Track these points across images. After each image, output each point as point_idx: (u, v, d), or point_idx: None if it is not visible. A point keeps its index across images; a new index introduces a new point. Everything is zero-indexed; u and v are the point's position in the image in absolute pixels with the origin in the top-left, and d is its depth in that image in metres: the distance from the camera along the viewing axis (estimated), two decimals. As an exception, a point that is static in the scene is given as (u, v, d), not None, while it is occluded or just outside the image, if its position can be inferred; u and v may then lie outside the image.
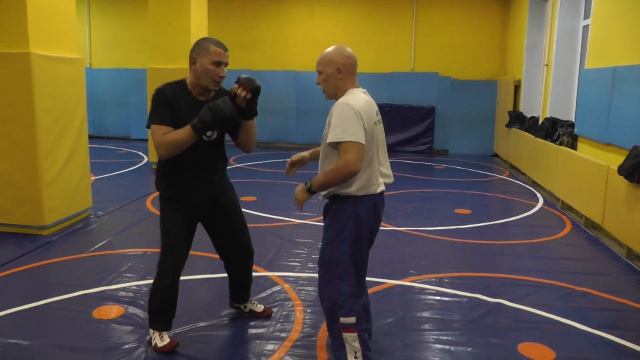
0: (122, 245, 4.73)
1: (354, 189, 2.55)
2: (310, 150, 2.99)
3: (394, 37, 11.49)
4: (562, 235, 5.35)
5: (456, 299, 3.71)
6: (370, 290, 3.60)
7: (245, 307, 3.37)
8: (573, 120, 7.34)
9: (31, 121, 4.74)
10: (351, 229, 2.56)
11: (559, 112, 7.97)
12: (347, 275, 2.58)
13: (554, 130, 7.50)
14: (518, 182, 8.22)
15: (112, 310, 3.41)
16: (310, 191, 2.56)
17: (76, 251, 4.56)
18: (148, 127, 2.74)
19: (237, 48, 11.61)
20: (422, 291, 3.85)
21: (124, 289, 3.76)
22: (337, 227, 2.58)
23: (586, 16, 7.50)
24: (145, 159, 9.40)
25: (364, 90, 2.69)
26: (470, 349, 3.04)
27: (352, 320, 2.55)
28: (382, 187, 2.68)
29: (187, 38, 8.23)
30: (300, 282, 3.96)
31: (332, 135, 2.47)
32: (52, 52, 4.95)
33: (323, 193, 2.63)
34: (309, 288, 3.84)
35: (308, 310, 3.47)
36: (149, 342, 2.98)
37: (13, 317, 3.31)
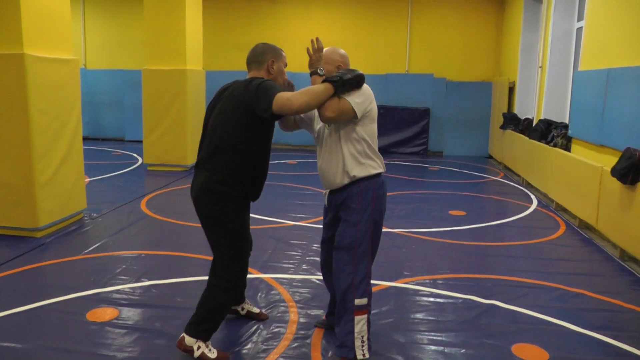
0: (116, 247, 4.71)
1: (378, 162, 2.77)
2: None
3: (389, 39, 11.51)
4: (556, 237, 5.37)
5: (450, 300, 3.72)
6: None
7: (243, 308, 3.37)
8: (567, 122, 7.37)
9: (26, 122, 4.72)
10: (372, 210, 2.74)
11: (554, 114, 8.00)
12: (366, 256, 2.75)
13: (549, 132, 7.53)
14: (512, 183, 8.24)
15: (106, 313, 3.40)
16: (321, 77, 2.69)
17: (70, 253, 4.54)
18: (268, 106, 2.59)
19: (233, 49, 11.63)
20: (417, 292, 3.86)
21: (118, 291, 3.75)
22: (359, 208, 2.73)
23: (580, 18, 7.53)
24: (140, 161, 9.37)
25: None
26: (464, 350, 3.05)
27: (364, 301, 2.72)
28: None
29: (182, 39, 8.24)
30: (295, 283, 3.97)
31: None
32: (46, 53, 4.93)
33: (345, 181, 2.75)
34: (303, 290, 3.84)
35: (302, 312, 3.47)
36: (190, 352, 2.81)
37: (6, 320, 3.29)
